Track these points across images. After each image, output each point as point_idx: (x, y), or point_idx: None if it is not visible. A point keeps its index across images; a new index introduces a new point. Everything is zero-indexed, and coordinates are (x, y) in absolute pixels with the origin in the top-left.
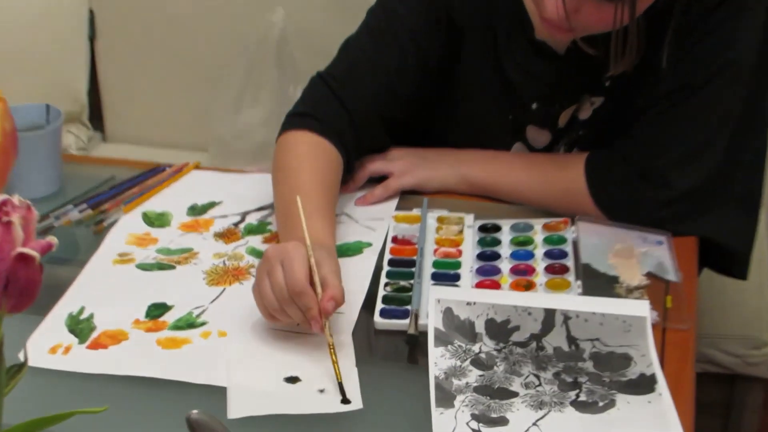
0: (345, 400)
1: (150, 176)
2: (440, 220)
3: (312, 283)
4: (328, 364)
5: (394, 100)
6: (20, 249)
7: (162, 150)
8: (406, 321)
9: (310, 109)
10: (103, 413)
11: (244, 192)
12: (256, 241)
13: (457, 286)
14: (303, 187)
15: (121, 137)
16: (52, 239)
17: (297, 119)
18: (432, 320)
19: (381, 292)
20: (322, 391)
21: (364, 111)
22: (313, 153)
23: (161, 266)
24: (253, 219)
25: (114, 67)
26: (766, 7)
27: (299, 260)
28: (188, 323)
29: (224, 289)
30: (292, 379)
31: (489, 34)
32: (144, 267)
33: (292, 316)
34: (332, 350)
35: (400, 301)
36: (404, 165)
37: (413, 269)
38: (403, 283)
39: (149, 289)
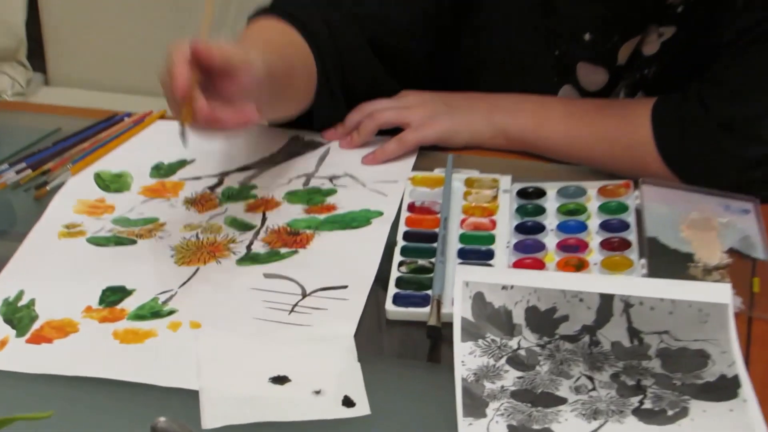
0: (342, 402)
1: (104, 128)
2: (469, 182)
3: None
4: (323, 360)
5: (388, 27)
6: None
7: (119, 95)
8: (426, 309)
9: (282, 4)
10: (47, 420)
11: (222, 147)
12: (237, 210)
13: (490, 265)
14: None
15: (67, 79)
16: None
17: (261, 11)
18: (459, 308)
19: (394, 274)
20: (317, 392)
21: (348, 35)
22: (274, 33)
23: (119, 240)
24: (233, 181)
25: None
26: None
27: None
28: (153, 312)
29: (197, 269)
30: (280, 379)
31: None
32: (97, 241)
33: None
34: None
35: (419, 285)
36: (424, 113)
37: (435, 245)
38: (421, 262)
39: (104, 269)
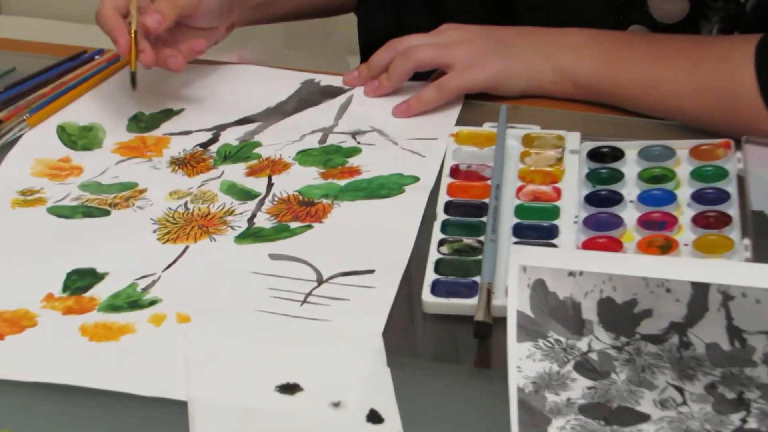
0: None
1: (70, 68)
2: (527, 140)
3: None
4: (344, 364)
5: None
6: None
7: (88, 27)
8: (473, 301)
9: None
10: None
11: (218, 94)
12: (236, 173)
13: (553, 245)
14: None
15: (22, 7)
16: None
17: None
18: (514, 300)
19: (433, 255)
20: (336, 405)
21: None
22: None
23: (87, 211)
24: (231, 137)
25: None
26: None
27: None
28: (130, 301)
29: (186, 247)
30: (290, 388)
31: None
32: (61, 212)
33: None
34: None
35: (464, 269)
36: (470, 52)
37: (484, 219)
38: (467, 240)
39: (69, 248)
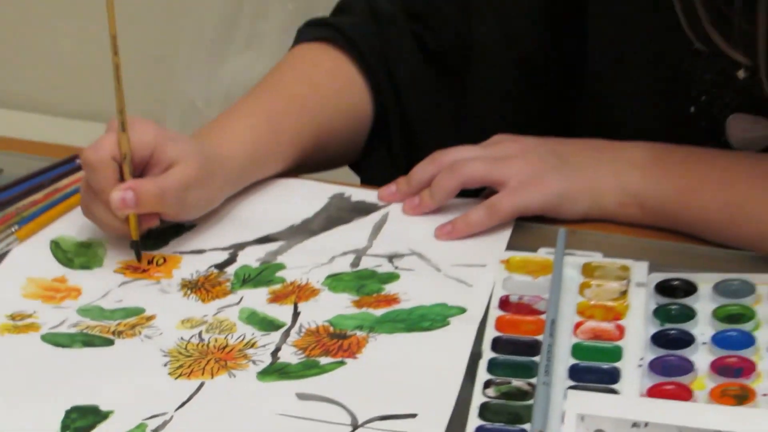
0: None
1: (65, 172)
2: (588, 270)
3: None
4: None
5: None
6: None
7: (85, 123)
8: None
9: (335, 18)
10: None
11: (234, 208)
12: (257, 299)
13: (614, 391)
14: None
15: (11, 99)
16: None
17: (313, 29)
18: None
19: (478, 399)
20: None
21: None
22: (319, 68)
23: (88, 340)
24: (251, 258)
25: None
26: None
27: (110, 132)
28: None
29: (202, 384)
30: None
31: None
32: (57, 340)
33: (96, 215)
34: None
35: (512, 416)
36: (526, 168)
37: (536, 358)
38: (517, 383)
39: (67, 382)
